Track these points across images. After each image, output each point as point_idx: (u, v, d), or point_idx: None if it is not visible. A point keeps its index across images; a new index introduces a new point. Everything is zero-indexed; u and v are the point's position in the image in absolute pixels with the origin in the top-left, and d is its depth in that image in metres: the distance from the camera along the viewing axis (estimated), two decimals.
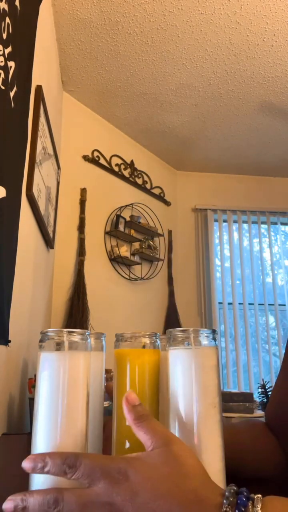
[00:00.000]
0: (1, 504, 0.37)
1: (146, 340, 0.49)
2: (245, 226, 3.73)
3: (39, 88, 1.64)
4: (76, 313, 2.40)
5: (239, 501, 0.35)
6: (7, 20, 1.07)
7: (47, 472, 0.37)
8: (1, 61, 1.02)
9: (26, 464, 0.38)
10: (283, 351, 0.73)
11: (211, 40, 2.18)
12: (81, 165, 2.73)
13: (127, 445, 0.45)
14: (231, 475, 0.45)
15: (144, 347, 0.49)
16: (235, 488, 0.37)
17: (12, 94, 1.13)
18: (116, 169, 2.97)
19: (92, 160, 2.78)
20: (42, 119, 1.69)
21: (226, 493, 0.36)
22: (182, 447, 0.39)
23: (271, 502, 0.35)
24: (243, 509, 0.34)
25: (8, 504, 0.37)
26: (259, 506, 0.35)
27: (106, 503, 0.35)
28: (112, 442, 0.48)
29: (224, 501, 0.35)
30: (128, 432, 0.46)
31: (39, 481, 0.40)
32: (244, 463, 0.61)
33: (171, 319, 3.17)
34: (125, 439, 0.46)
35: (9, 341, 1.18)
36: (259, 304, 3.47)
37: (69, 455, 0.37)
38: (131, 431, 0.43)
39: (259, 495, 0.36)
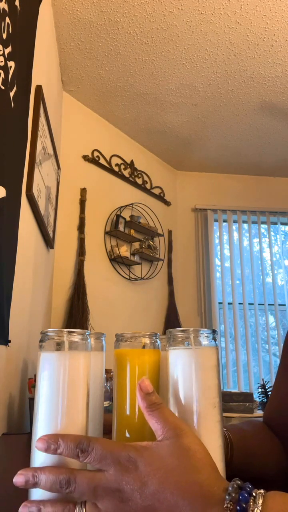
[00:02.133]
0: (3, 503, 0.37)
1: (146, 340, 0.49)
2: (245, 226, 3.73)
3: (39, 88, 1.64)
4: (76, 313, 2.40)
5: (240, 497, 0.35)
6: (7, 20, 1.07)
7: (60, 453, 0.38)
8: (1, 61, 1.02)
9: (39, 444, 0.39)
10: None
11: (211, 40, 2.18)
12: (81, 165, 2.73)
13: (128, 430, 0.45)
14: (238, 476, 0.45)
15: (144, 347, 0.49)
16: (238, 482, 0.37)
17: (12, 94, 1.13)
18: (116, 169, 2.97)
19: (92, 160, 2.78)
20: (42, 119, 1.69)
21: (229, 489, 0.36)
22: (193, 440, 0.39)
23: (272, 498, 0.36)
24: (244, 506, 0.34)
25: (19, 478, 0.37)
26: (260, 501, 0.35)
27: (115, 490, 0.36)
28: (113, 426, 0.48)
29: (226, 496, 0.35)
30: (127, 432, 0.46)
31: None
32: (252, 464, 0.61)
33: (171, 319, 3.17)
34: (126, 424, 0.46)
35: (9, 341, 1.18)
36: (259, 304, 3.47)
37: (82, 439, 0.38)
38: (131, 431, 0.43)
39: (261, 491, 0.36)
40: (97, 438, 0.39)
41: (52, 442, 0.38)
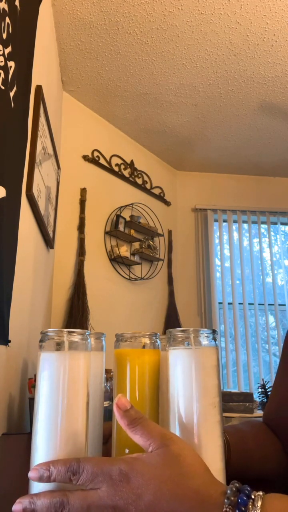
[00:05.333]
0: (2, 503, 0.37)
1: (146, 340, 0.49)
2: (245, 226, 3.73)
3: (39, 88, 1.64)
4: (76, 313, 2.40)
5: (239, 500, 0.35)
6: (7, 20, 1.07)
7: (53, 480, 0.38)
8: (1, 61, 1.02)
9: (32, 475, 0.39)
10: None
11: (211, 40, 2.18)
12: (81, 165, 2.73)
13: (127, 447, 0.45)
14: (236, 477, 0.45)
15: (144, 347, 0.49)
16: (237, 485, 0.37)
17: (12, 94, 1.13)
18: (116, 169, 2.97)
19: (92, 160, 2.78)
20: (42, 119, 1.69)
21: (228, 492, 0.36)
22: (182, 446, 0.39)
23: (271, 500, 0.35)
24: (243, 509, 0.34)
25: (17, 507, 0.38)
26: (259, 504, 0.35)
27: (109, 506, 0.36)
28: (112, 443, 0.48)
29: (225, 500, 0.35)
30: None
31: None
32: (250, 466, 0.61)
33: (171, 319, 3.17)
34: (125, 440, 0.46)
35: (9, 341, 1.18)
36: (259, 304, 3.47)
37: (72, 462, 0.38)
38: None
39: (260, 493, 0.36)
40: (87, 457, 0.40)
41: (44, 470, 0.38)
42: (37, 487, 0.40)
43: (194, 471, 0.37)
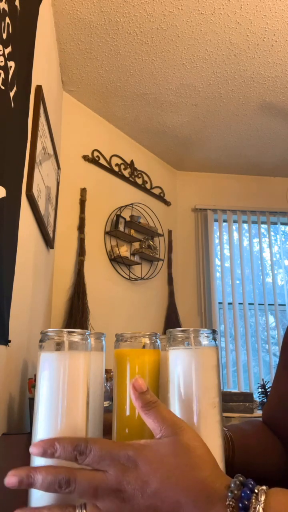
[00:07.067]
0: (2, 503, 0.37)
1: (146, 340, 0.49)
2: (245, 226, 3.73)
3: (39, 88, 1.64)
4: (76, 313, 2.40)
5: (243, 494, 0.35)
6: (7, 20, 1.07)
7: (57, 457, 0.37)
8: (1, 61, 1.02)
9: (34, 450, 0.37)
10: None
11: (211, 40, 2.18)
12: (81, 165, 2.73)
13: (127, 427, 0.45)
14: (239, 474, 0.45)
15: (144, 347, 0.49)
16: (241, 479, 0.37)
17: (12, 94, 1.13)
18: (116, 169, 2.97)
19: (92, 160, 2.78)
20: (42, 119, 1.69)
21: (231, 485, 0.36)
22: (192, 436, 0.39)
23: (274, 494, 0.35)
24: (246, 503, 0.34)
25: (11, 479, 0.36)
26: (263, 498, 0.34)
27: (116, 490, 0.35)
28: (113, 427, 0.48)
29: (229, 493, 0.35)
30: (127, 432, 0.46)
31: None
32: (252, 462, 0.61)
33: (171, 319, 3.17)
34: (126, 421, 0.46)
35: (9, 341, 1.18)
36: (259, 304, 3.47)
37: (79, 441, 0.37)
38: (131, 431, 0.43)
39: (263, 487, 0.36)
40: (95, 438, 0.39)
41: (48, 447, 0.37)
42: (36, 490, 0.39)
43: (202, 462, 0.37)
